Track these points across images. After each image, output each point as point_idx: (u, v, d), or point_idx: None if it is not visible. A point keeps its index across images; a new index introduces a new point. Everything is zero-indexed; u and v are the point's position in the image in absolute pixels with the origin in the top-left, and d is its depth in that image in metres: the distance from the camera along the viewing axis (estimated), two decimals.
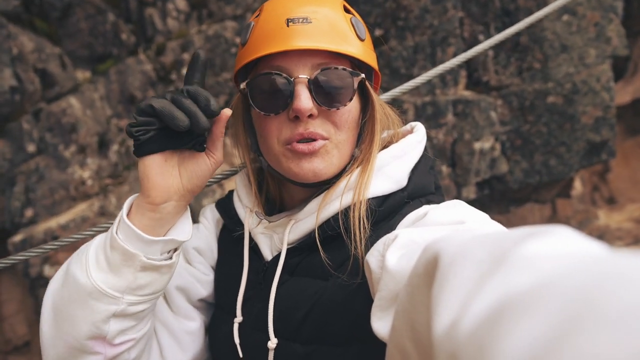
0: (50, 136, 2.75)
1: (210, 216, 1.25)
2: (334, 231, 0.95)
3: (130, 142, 3.03)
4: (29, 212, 2.71)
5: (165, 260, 0.92)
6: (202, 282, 1.16)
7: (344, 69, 0.95)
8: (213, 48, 3.03)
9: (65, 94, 2.86)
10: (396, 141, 1.04)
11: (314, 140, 0.95)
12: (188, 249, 1.17)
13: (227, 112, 0.90)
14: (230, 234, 1.13)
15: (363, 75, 0.98)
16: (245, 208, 1.10)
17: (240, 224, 1.10)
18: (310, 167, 0.95)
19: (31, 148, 2.73)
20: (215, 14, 3.11)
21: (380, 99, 1.06)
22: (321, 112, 0.95)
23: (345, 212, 0.95)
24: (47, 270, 2.66)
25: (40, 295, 2.71)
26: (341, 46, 0.94)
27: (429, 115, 2.62)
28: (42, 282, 2.68)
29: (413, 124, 1.10)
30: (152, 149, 0.87)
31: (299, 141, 0.95)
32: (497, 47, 2.58)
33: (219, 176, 1.28)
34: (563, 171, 2.48)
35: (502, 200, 2.76)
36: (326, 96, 0.94)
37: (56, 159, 2.75)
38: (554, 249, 0.41)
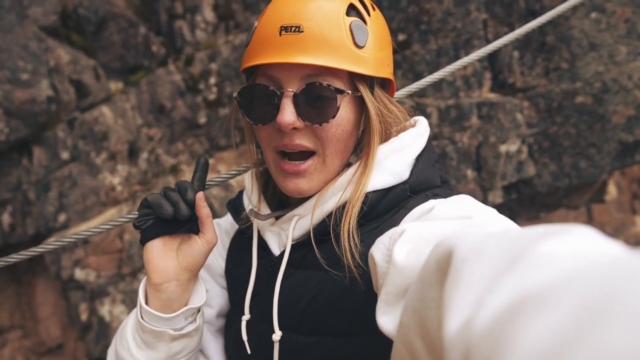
0: (83, 144, 2.86)
1: (218, 229, 1.28)
2: (328, 229, 0.96)
3: (159, 150, 3.11)
4: (62, 217, 2.81)
5: (191, 324, 1.03)
6: (209, 300, 1.20)
7: (328, 85, 0.93)
8: (239, 57, 3.09)
9: (98, 104, 2.98)
10: (397, 135, 1.04)
11: (300, 158, 0.98)
12: None
13: (199, 196, 0.99)
14: (243, 234, 1.16)
15: (349, 93, 0.95)
16: (254, 206, 1.12)
17: (249, 222, 1.13)
18: (295, 187, 0.99)
19: (65, 155, 2.84)
20: (242, 24, 3.18)
21: (386, 101, 1.04)
22: (306, 125, 0.96)
23: (340, 211, 0.95)
24: (77, 273, 2.75)
25: (72, 298, 2.80)
26: (331, 59, 0.92)
27: (453, 119, 2.58)
28: (73, 284, 2.77)
29: (416, 118, 1.10)
30: (151, 236, 0.99)
31: (284, 156, 0.98)
32: (522, 48, 2.53)
33: (226, 175, 1.31)
34: (594, 173, 2.38)
35: (532, 206, 2.67)
36: (310, 111, 0.94)
37: (88, 166, 2.86)
38: (572, 248, 0.41)
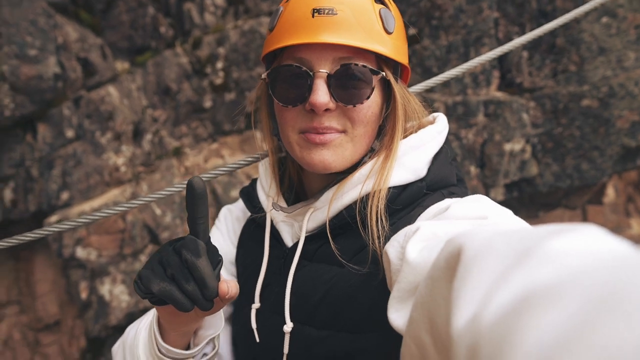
0: (88, 123, 2.85)
1: (229, 215, 1.29)
2: (347, 222, 0.96)
3: (163, 132, 3.11)
4: (64, 195, 2.81)
5: (209, 345, 1.02)
6: None
7: (364, 66, 0.94)
8: (248, 43, 3.08)
9: (105, 83, 2.96)
10: (416, 132, 1.03)
11: (328, 132, 0.96)
12: None
13: (223, 289, 0.82)
14: (255, 222, 1.15)
15: (383, 74, 0.96)
16: (268, 197, 1.11)
17: (263, 212, 1.12)
18: (320, 158, 0.96)
19: (70, 133, 2.83)
20: (252, 10, 3.17)
21: (406, 91, 1.04)
22: (339, 106, 0.95)
23: (364, 201, 0.95)
24: (79, 251, 2.76)
25: (72, 276, 2.81)
26: (365, 41, 0.93)
27: (460, 115, 2.60)
28: (75, 263, 2.78)
29: (435, 114, 1.09)
30: (163, 303, 0.87)
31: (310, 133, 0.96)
32: (532, 49, 2.55)
33: (237, 164, 1.30)
34: (595, 176, 2.43)
35: (532, 205, 2.72)
36: (344, 93, 0.93)
37: (93, 145, 2.85)
38: (579, 246, 0.41)
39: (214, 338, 1.02)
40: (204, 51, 3.12)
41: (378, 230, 0.91)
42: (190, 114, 3.15)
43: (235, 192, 2.97)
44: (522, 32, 2.55)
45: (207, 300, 0.79)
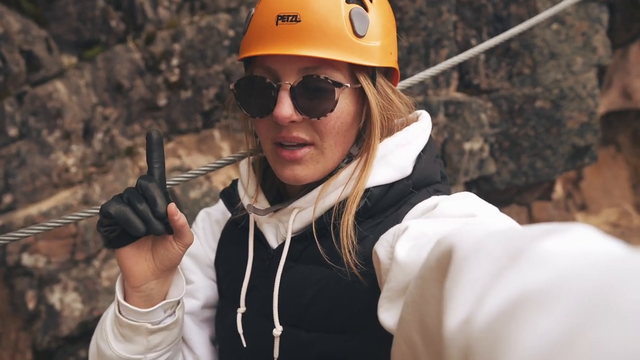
0: (34, 120, 2.66)
1: (207, 219, 1.25)
2: (330, 224, 0.95)
3: (115, 131, 2.96)
4: (7, 198, 2.60)
5: (170, 317, 1.00)
6: (194, 292, 1.16)
7: (325, 79, 0.89)
8: (205, 39, 3.00)
9: (51, 78, 2.77)
10: (401, 129, 1.01)
11: (298, 146, 0.94)
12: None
13: (172, 208, 0.88)
14: (236, 224, 1.12)
15: (347, 85, 0.92)
16: (251, 198, 1.08)
17: (244, 213, 1.09)
18: (292, 174, 0.95)
19: (13, 132, 2.63)
20: (208, 5, 3.09)
21: (390, 92, 1.01)
22: (305, 118, 0.92)
23: (340, 208, 0.93)
24: (25, 258, 2.56)
25: (17, 286, 2.61)
26: (329, 50, 0.88)
27: None
28: (20, 271, 2.58)
29: (418, 112, 1.07)
30: (121, 243, 0.92)
31: (282, 145, 0.94)
32: (488, 52, 2.66)
33: (211, 166, 1.27)
34: (548, 173, 2.57)
35: (488, 201, 2.83)
36: (307, 105, 0.90)
37: (39, 144, 2.66)
38: (571, 246, 0.41)
39: (175, 308, 1.00)
40: (158, 47, 3.00)
41: (349, 243, 0.90)
42: (144, 112, 3.01)
43: (194, 194, 2.88)
44: (479, 35, 2.66)
45: (158, 219, 0.87)
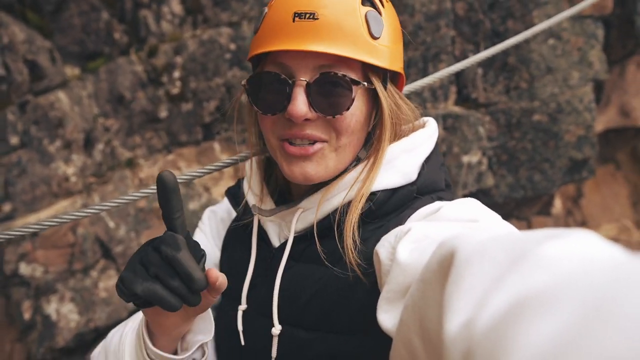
0: (35, 129, 2.67)
1: (213, 217, 1.26)
2: (332, 226, 0.95)
3: (115, 142, 2.98)
4: (6, 207, 2.61)
5: (201, 355, 0.97)
6: None
7: (343, 76, 0.90)
8: (207, 53, 3.04)
9: (53, 88, 2.80)
10: (408, 135, 1.02)
11: (310, 142, 0.93)
12: None
13: (212, 276, 0.79)
14: (240, 222, 1.12)
15: (365, 84, 0.93)
16: (255, 197, 1.09)
17: (249, 211, 1.09)
18: (301, 171, 0.94)
19: (14, 140, 2.64)
20: (211, 19, 3.13)
21: (398, 97, 1.02)
22: (319, 116, 0.92)
23: (344, 210, 0.94)
24: (23, 268, 2.55)
25: (14, 295, 2.59)
26: (346, 48, 0.89)
27: None
28: (17, 280, 2.57)
29: (425, 118, 1.08)
30: (150, 305, 0.83)
31: (290, 141, 0.94)
32: (486, 66, 2.69)
33: (218, 165, 1.28)
34: (546, 187, 2.58)
35: None
36: (323, 103, 0.90)
37: (40, 153, 2.68)
38: (573, 251, 0.41)
39: (203, 344, 0.97)
40: (160, 60, 3.04)
41: (352, 244, 0.90)
42: (145, 124, 3.03)
43: (193, 205, 2.89)
44: (477, 50, 2.70)
45: (194, 294, 0.77)
